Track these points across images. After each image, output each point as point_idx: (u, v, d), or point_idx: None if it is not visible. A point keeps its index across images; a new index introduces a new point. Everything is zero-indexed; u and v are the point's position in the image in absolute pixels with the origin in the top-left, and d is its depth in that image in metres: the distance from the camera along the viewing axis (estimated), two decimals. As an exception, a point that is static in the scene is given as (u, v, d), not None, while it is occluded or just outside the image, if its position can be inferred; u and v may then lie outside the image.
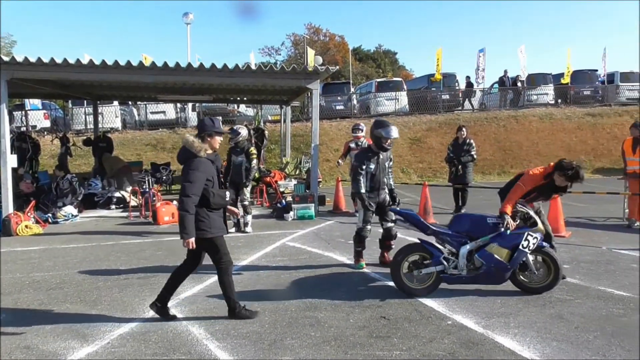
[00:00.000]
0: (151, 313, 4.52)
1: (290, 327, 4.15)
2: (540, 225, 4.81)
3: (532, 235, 4.67)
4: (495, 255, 4.67)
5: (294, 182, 12.45)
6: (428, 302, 4.71)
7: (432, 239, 5.07)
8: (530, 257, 4.79)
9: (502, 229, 4.69)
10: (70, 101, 19.67)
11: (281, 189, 11.91)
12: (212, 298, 4.96)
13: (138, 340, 3.95)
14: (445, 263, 4.78)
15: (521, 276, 4.89)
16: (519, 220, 4.78)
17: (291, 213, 9.85)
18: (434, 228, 4.96)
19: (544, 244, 4.89)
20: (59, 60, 9.45)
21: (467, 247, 4.77)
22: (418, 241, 5.13)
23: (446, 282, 4.87)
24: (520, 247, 4.65)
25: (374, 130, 5.95)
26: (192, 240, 4.06)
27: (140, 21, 78.40)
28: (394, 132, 5.90)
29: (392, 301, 4.73)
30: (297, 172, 15.30)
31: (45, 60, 9.39)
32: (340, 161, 10.63)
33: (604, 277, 5.45)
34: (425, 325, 4.13)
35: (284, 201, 10.29)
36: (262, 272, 5.96)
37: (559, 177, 4.79)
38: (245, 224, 8.51)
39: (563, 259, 6.27)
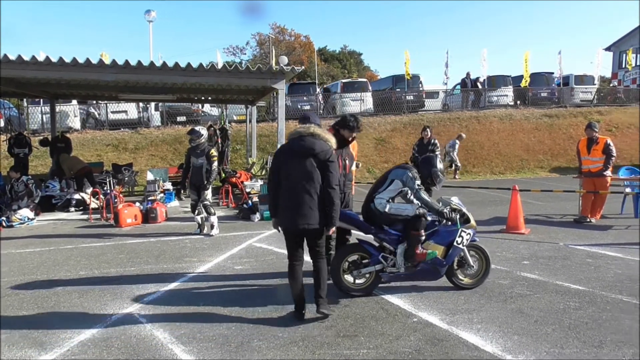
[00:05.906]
0: (113, 318, 4.40)
1: (257, 329, 4.12)
2: (473, 222, 4.99)
3: (465, 232, 4.87)
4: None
5: (260, 182, 12.36)
6: (394, 300, 4.77)
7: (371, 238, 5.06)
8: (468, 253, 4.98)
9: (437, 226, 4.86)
10: (25, 100, 18.87)
11: (247, 190, 11.82)
12: (176, 301, 4.87)
13: (100, 346, 3.83)
14: (383, 262, 4.85)
15: (457, 272, 5.06)
16: (457, 216, 4.89)
17: (257, 214, 9.78)
18: (374, 228, 4.95)
19: (476, 239, 5.09)
20: (12, 57, 9.05)
21: (405, 245, 4.84)
22: (357, 241, 5.11)
23: (385, 280, 4.93)
24: (455, 243, 4.83)
25: (423, 167, 5.10)
26: None
27: (100, 18, 76.21)
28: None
29: (358, 300, 4.77)
30: (263, 172, 15.20)
31: (-2, 57, 8.98)
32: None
33: (561, 272, 5.66)
34: (391, 323, 4.19)
35: (250, 202, 10.22)
36: (228, 274, 5.89)
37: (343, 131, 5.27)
38: (211, 226, 8.35)
39: (523, 255, 6.50)
